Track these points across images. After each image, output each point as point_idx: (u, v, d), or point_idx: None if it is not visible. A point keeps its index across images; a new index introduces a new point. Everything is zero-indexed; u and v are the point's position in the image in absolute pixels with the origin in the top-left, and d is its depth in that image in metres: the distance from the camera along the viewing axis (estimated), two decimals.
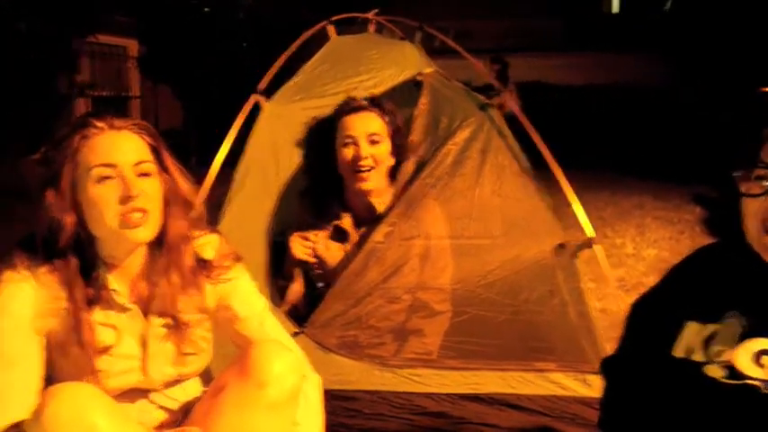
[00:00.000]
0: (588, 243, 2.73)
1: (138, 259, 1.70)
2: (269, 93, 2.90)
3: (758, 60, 10.35)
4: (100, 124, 1.63)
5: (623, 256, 5.36)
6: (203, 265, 1.76)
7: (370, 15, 3.30)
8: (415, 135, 2.73)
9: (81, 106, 11.91)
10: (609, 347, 2.29)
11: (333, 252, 2.68)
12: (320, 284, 2.69)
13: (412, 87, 2.89)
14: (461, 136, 2.73)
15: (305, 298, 2.71)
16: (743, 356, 1.32)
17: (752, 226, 1.35)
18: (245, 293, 1.84)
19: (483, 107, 2.83)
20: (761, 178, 1.32)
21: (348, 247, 2.66)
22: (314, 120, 2.76)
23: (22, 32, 9.54)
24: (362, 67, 2.93)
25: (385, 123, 2.65)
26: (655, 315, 1.49)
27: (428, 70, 2.92)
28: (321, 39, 3.13)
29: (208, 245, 1.79)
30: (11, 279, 1.59)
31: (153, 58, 12.91)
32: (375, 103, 2.68)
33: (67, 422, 1.41)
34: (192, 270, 1.74)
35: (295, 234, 2.69)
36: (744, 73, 10.37)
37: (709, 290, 1.41)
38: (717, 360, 1.34)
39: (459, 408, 2.41)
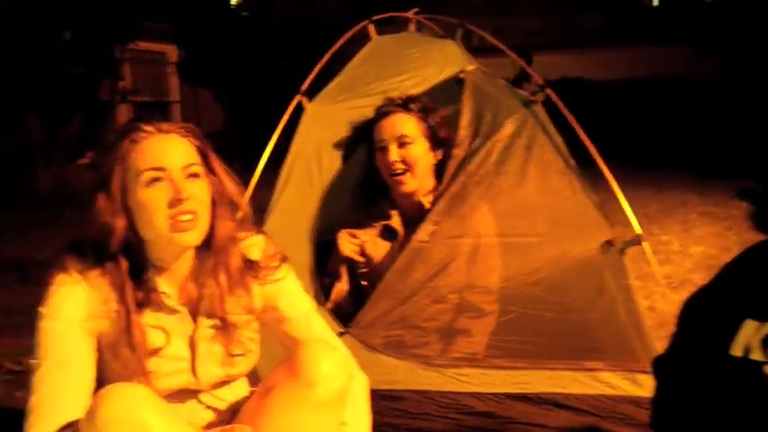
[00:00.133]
0: (636, 240, 2.69)
1: (186, 262, 1.71)
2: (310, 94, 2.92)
3: None
4: (148, 128, 1.65)
5: (669, 253, 5.27)
6: (250, 266, 1.77)
7: (410, 14, 3.29)
8: (460, 132, 2.70)
9: (123, 112, 12.15)
10: (658, 346, 2.25)
11: (381, 250, 2.68)
12: (365, 283, 2.69)
13: (454, 85, 2.87)
14: (505, 132, 2.70)
15: (349, 296, 2.72)
16: None
17: None
18: (291, 294, 1.85)
19: (527, 104, 2.81)
20: None
21: (396, 245, 2.66)
22: (354, 127, 2.78)
23: (66, 42, 9.74)
24: (403, 66, 2.93)
25: (417, 123, 2.64)
26: (710, 313, 1.45)
27: (470, 68, 2.90)
28: (362, 39, 3.14)
29: (254, 246, 1.80)
30: (63, 282, 1.61)
31: (192, 62, 13.09)
32: (403, 103, 2.66)
33: (120, 422, 1.42)
34: (239, 271, 1.74)
35: (343, 231, 2.69)
36: None
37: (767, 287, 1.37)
38: None
39: (506, 407, 2.39)
